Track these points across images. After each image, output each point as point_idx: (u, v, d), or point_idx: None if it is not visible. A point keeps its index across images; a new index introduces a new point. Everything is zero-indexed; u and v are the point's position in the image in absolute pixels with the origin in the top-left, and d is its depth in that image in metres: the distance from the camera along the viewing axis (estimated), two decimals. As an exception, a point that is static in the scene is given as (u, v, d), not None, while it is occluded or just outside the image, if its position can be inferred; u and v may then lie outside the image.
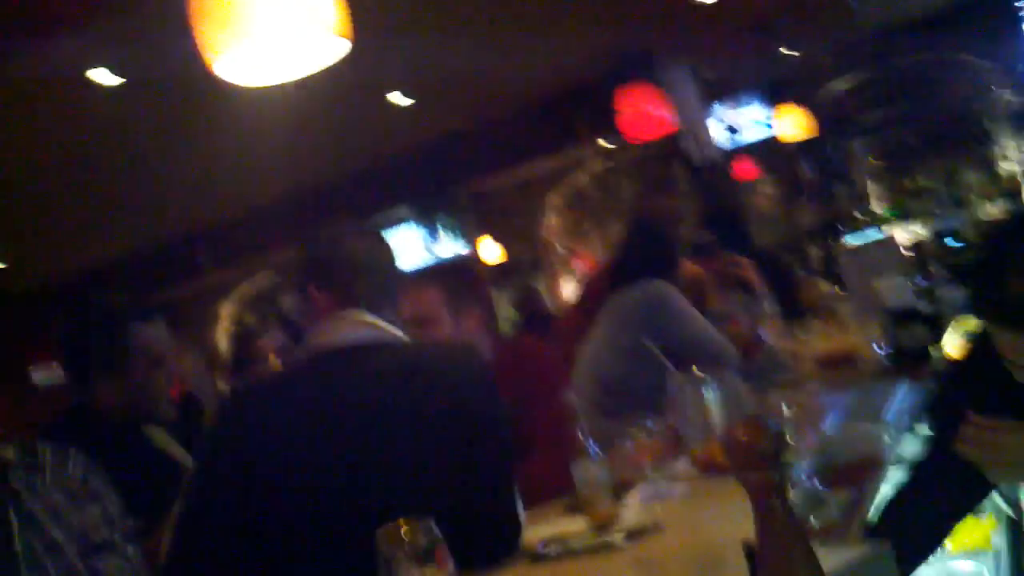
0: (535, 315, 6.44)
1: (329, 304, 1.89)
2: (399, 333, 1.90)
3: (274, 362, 2.67)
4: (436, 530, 1.16)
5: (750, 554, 1.21)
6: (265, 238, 7.54)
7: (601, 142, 7.43)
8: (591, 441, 1.87)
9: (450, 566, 1.16)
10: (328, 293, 1.90)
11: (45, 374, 6.86)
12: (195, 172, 5.74)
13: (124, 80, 3.62)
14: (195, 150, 5.28)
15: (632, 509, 1.83)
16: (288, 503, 1.72)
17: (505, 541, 1.73)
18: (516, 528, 1.74)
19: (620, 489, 1.87)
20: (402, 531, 1.15)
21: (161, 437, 2.32)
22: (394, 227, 7.78)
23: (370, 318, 1.86)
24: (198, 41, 1.98)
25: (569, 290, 9.00)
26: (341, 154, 6.26)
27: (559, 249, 8.96)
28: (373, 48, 2.97)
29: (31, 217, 5.38)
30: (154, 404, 2.21)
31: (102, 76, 3.54)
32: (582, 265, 9.19)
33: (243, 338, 2.89)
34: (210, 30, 1.97)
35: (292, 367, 2.14)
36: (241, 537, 1.70)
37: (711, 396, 1.69)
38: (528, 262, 8.61)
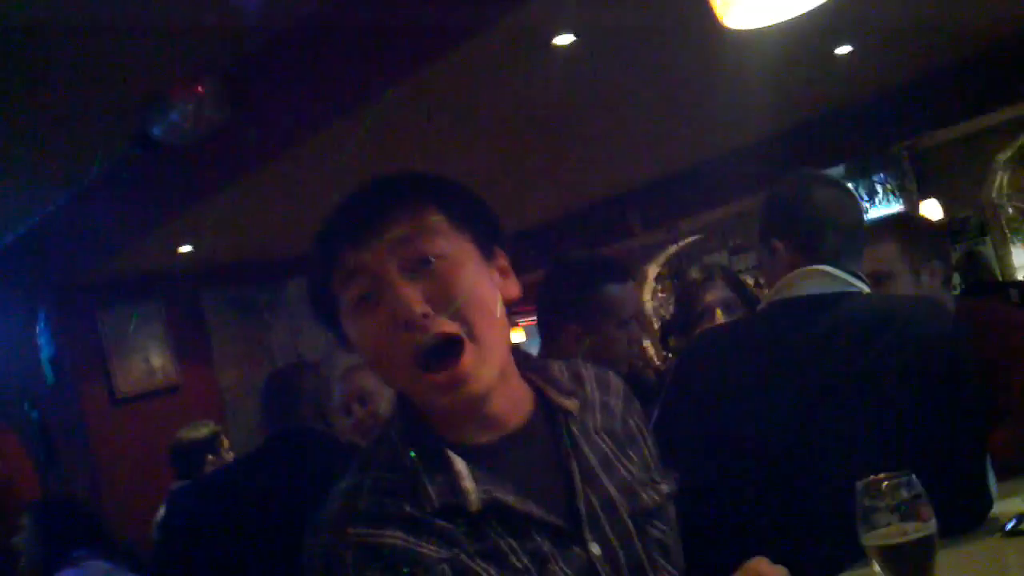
0: (980, 283, 5.93)
1: (792, 257, 1.88)
2: (865, 287, 1.86)
3: (720, 316, 2.72)
4: (919, 485, 1.15)
5: None
6: (695, 199, 7.66)
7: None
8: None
9: (932, 523, 1.14)
10: (791, 246, 1.89)
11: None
12: (630, 132, 5.94)
13: (576, 38, 3.80)
14: (625, 113, 5.46)
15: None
16: (742, 451, 1.78)
17: (972, 513, 1.64)
18: (986, 499, 1.65)
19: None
20: (883, 485, 1.15)
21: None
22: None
23: (836, 272, 1.84)
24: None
25: (1020, 256, 8.16)
26: (780, 111, 6.15)
27: (1009, 211, 8.14)
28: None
29: (489, 176, 5.87)
30: (612, 363, 2.31)
31: (565, 40, 3.75)
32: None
33: (689, 293, 2.94)
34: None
35: (753, 315, 2.17)
36: (697, 483, 1.79)
37: None
38: (973, 226, 7.92)
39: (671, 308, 4.56)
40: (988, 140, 7.62)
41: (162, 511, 4.35)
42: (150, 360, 6.33)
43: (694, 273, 3.00)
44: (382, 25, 3.80)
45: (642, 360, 4.81)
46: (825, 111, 6.66)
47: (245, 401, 6.43)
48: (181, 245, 5.90)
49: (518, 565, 1.07)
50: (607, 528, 1.15)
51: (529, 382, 1.23)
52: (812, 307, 1.81)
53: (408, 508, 1.08)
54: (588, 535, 1.13)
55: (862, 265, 1.93)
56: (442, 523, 1.07)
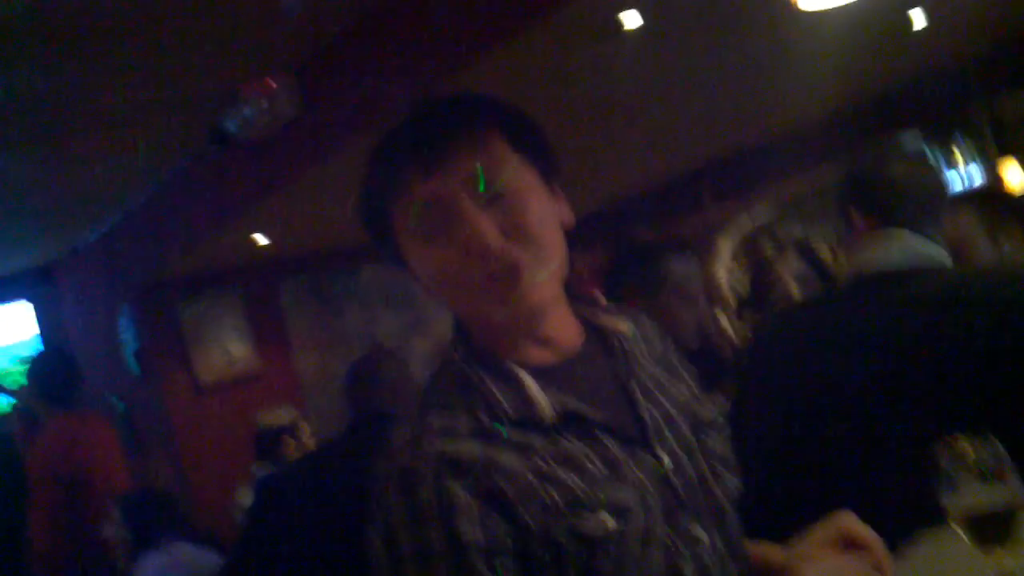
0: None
1: (870, 227, 1.88)
2: (945, 257, 1.83)
3: (794, 289, 2.69)
4: (1000, 446, 1.13)
5: None
6: (768, 171, 7.54)
7: None
8: None
9: (1016, 483, 1.11)
10: (870, 215, 1.89)
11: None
12: (703, 105, 5.87)
13: (644, 22, 3.78)
14: (698, 87, 5.40)
15: None
16: (823, 426, 1.76)
17: None
18: None
19: None
20: (964, 445, 1.13)
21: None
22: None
23: (914, 241, 1.80)
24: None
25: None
26: (854, 81, 6.02)
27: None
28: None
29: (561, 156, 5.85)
30: (680, 339, 2.32)
31: (631, 18, 3.72)
32: None
33: (762, 267, 2.92)
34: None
35: (835, 290, 2.15)
36: (776, 458, 1.78)
37: None
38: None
39: (747, 282, 4.53)
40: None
41: (244, 494, 4.48)
42: (230, 350, 6.47)
43: (767, 247, 2.97)
44: (444, 14, 3.81)
45: (718, 336, 4.78)
46: (900, 79, 6.49)
47: (323, 387, 6.55)
48: (258, 237, 6.00)
49: (594, 470, 1.07)
50: (672, 440, 1.17)
51: (577, 315, 1.25)
52: (893, 284, 1.78)
53: (484, 421, 1.09)
54: (657, 446, 1.15)
55: (942, 235, 1.90)
56: (518, 433, 1.08)
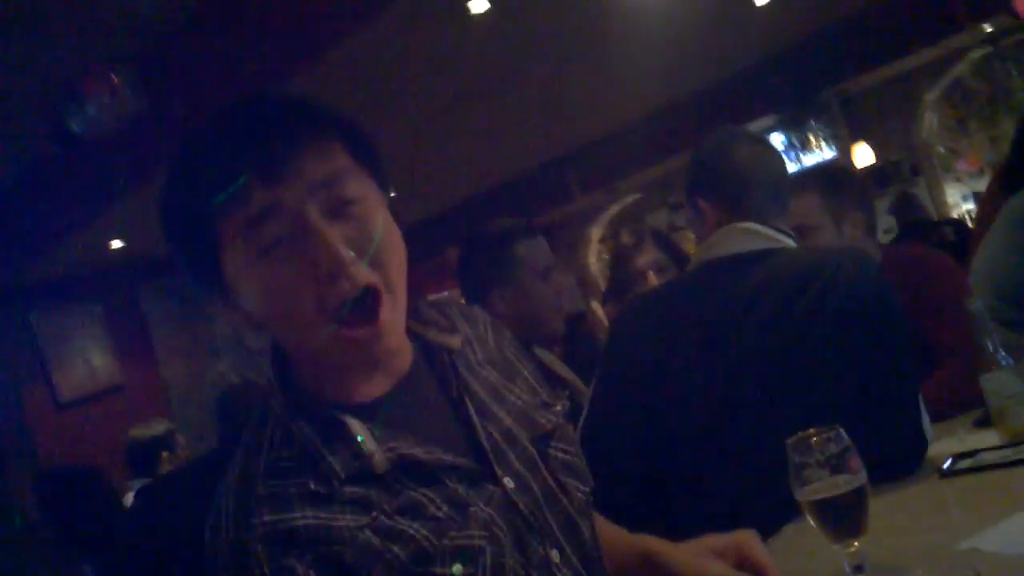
0: (915, 223, 6.02)
1: (719, 215, 1.88)
2: (791, 242, 1.86)
3: (652, 279, 2.72)
4: (847, 438, 1.15)
5: None
6: (632, 158, 7.67)
7: (984, 26, 6.70)
8: (1002, 350, 1.73)
9: (862, 474, 1.14)
10: (718, 204, 1.89)
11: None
12: (559, 95, 5.92)
13: (491, 6, 3.77)
14: (560, 73, 5.43)
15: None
16: (675, 413, 1.77)
17: (909, 456, 1.65)
18: (921, 443, 1.66)
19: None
20: (812, 440, 1.15)
21: (549, 357, 2.46)
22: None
23: (761, 228, 1.84)
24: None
25: (953, 195, 8.29)
26: (708, 65, 6.17)
27: (940, 150, 8.27)
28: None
29: (418, 149, 5.81)
30: (544, 315, 2.30)
31: (476, 4, 3.71)
32: (967, 167, 8.42)
33: (620, 258, 2.94)
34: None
35: (681, 277, 2.17)
36: (635, 451, 1.79)
37: None
38: (905, 167, 8.04)
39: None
40: (916, 81, 7.71)
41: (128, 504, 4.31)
42: (91, 361, 6.21)
43: (624, 237, 3.00)
44: (292, 4, 3.72)
45: (592, 320, 4.82)
46: (753, 62, 6.69)
47: (191, 395, 6.35)
48: (112, 240, 5.77)
49: (439, 514, 1.01)
50: (513, 459, 1.10)
51: (408, 331, 1.16)
52: (738, 266, 1.81)
53: (313, 484, 1.00)
54: (499, 469, 1.08)
55: (786, 219, 1.94)
56: (352, 489, 1.01)
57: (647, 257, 2.78)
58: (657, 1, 3.88)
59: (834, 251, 1.90)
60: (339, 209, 1.01)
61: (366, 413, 1.06)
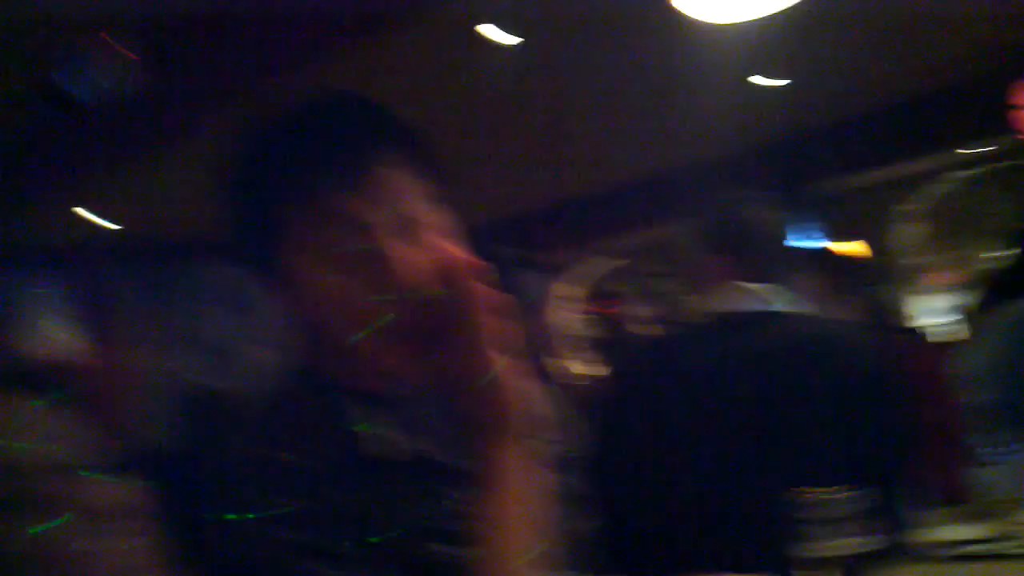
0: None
1: (722, 272, 1.90)
2: (796, 304, 1.88)
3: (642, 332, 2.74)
4: (863, 499, 1.14)
5: None
6: (614, 222, 7.72)
7: (963, 150, 6.89)
8: (991, 445, 1.75)
9: (877, 537, 1.13)
10: (722, 261, 1.91)
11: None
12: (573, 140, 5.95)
13: (518, 38, 3.79)
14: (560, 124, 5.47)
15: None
16: (674, 467, 1.77)
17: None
18: (899, 528, 1.67)
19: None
20: (813, 497, 1.14)
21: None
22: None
23: (763, 289, 1.85)
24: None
25: (916, 305, 8.44)
26: (700, 137, 6.27)
27: (910, 261, 8.43)
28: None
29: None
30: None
31: (493, 32, 3.72)
32: (935, 281, 8.58)
33: (608, 310, 2.97)
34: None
35: (682, 329, 2.18)
36: (638, 496, 1.77)
37: None
38: (875, 270, 8.17)
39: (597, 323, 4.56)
40: (890, 192, 7.89)
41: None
42: (53, 337, 6.03)
43: (616, 289, 3.04)
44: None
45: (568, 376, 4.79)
46: (748, 143, 6.81)
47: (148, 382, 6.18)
48: (87, 214, 5.68)
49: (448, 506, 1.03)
50: None
51: None
52: (744, 324, 1.83)
53: (331, 458, 1.01)
54: None
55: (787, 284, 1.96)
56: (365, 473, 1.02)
57: (633, 313, 2.81)
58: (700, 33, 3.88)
59: (837, 323, 1.92)
60: (409, 225, 1.02)
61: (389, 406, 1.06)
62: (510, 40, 3.69)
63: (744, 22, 2.29)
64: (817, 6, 4.09)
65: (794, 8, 2.99)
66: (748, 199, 2.01)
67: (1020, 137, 6.20)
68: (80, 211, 5.59)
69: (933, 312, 8.37)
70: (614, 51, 4.24)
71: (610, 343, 2.90)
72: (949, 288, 8.15)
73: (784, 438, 1.69)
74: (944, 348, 3.10)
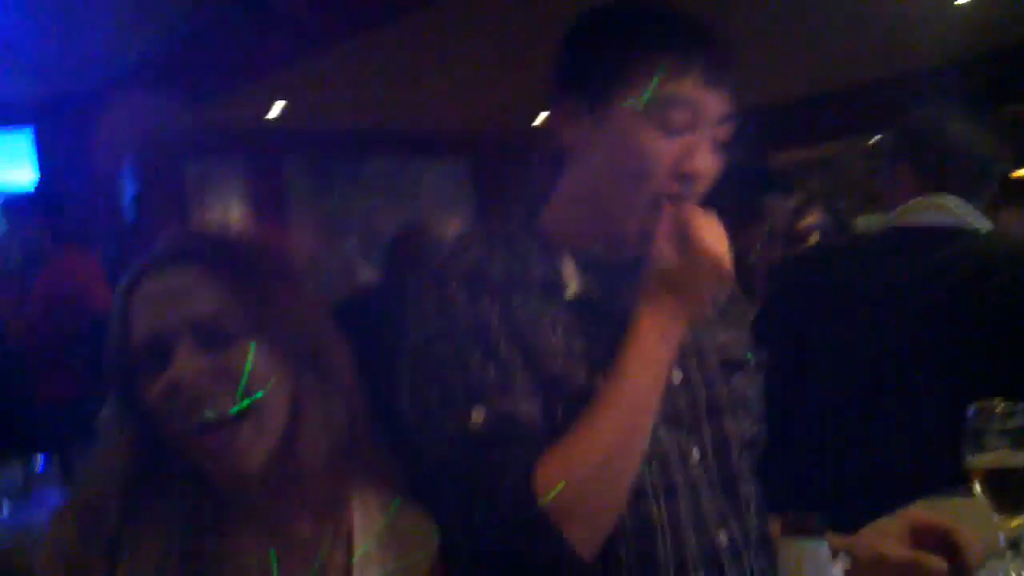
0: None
1: (916, 184, 1.85)
2: (986, 224, 1.84)
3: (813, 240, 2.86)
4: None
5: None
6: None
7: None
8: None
9: None
10: (917, 173, 1.86)
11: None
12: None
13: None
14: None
15: None
16: (839, 369, 1.81)
17: None
18: None
19: None
20: (997, 409, 1.11)
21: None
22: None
23: (956, 204, 1.80)
24: None
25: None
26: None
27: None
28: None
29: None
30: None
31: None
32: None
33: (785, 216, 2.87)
34: None
35: (863, 238, 2.24)
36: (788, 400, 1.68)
37: None
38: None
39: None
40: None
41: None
42: (228, 215, 6.11)
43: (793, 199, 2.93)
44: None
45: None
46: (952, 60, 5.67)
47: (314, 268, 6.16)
48: (272, 106, 5.54)
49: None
50: (693, 363, 1.22)
51: None
52: (925, 238, 1.78)
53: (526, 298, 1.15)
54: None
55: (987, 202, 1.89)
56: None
57: (811, 219, 2.69)
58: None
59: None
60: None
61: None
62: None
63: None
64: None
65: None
66: (954, 111, 1.96)
67: None
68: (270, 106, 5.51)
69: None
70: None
71: (791, 257, 2.71)
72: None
73: (965, 354, 1.70)
74: None
